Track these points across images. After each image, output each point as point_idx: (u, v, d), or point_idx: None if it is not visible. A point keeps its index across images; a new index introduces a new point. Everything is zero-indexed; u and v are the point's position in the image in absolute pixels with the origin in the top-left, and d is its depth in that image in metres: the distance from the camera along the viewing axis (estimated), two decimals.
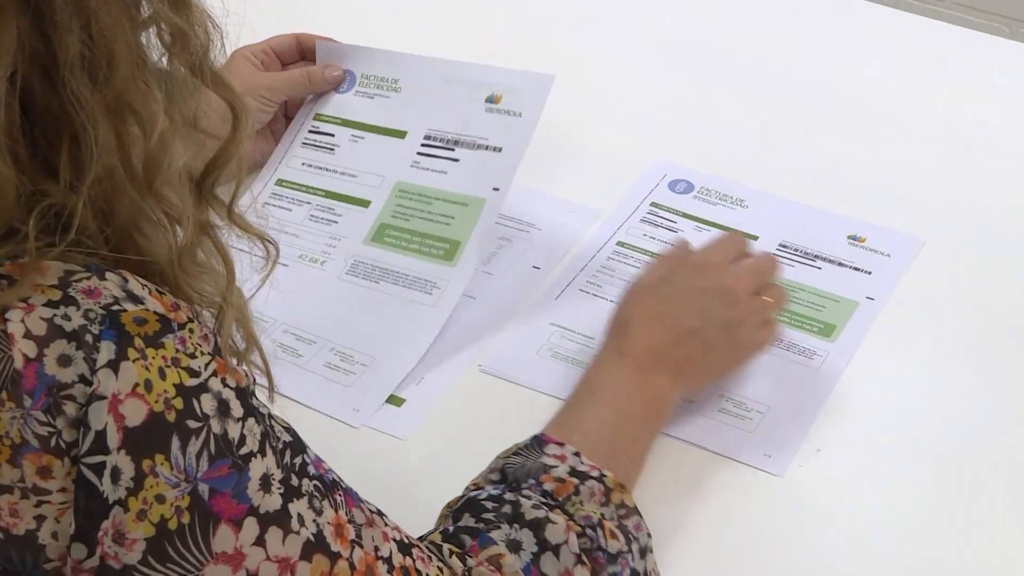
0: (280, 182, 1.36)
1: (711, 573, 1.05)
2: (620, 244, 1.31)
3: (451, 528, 0.96)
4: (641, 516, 1.01)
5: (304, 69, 1.39)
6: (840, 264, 1.29)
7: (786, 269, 1.28)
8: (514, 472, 1.00)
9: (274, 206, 1.34)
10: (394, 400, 1.17)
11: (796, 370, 1.19)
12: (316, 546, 0.81)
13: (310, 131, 1.37)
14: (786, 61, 1.54)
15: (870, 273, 1.28)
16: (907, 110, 1.47)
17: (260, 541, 0.79)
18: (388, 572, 0.85)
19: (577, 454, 1.01)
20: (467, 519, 0.97)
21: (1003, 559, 1.06)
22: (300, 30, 1.43)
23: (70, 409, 0.75)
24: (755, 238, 1.31)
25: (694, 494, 1.11)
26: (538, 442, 1.02)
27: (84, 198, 0.76)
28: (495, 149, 1.28)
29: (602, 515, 0.98)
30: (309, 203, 1.33)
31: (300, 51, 1.42)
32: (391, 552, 0.86)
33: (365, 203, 1.30)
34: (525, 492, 0.98)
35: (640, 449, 1.07)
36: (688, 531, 1.08)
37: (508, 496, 0.97)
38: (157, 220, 0.80)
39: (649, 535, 1.01)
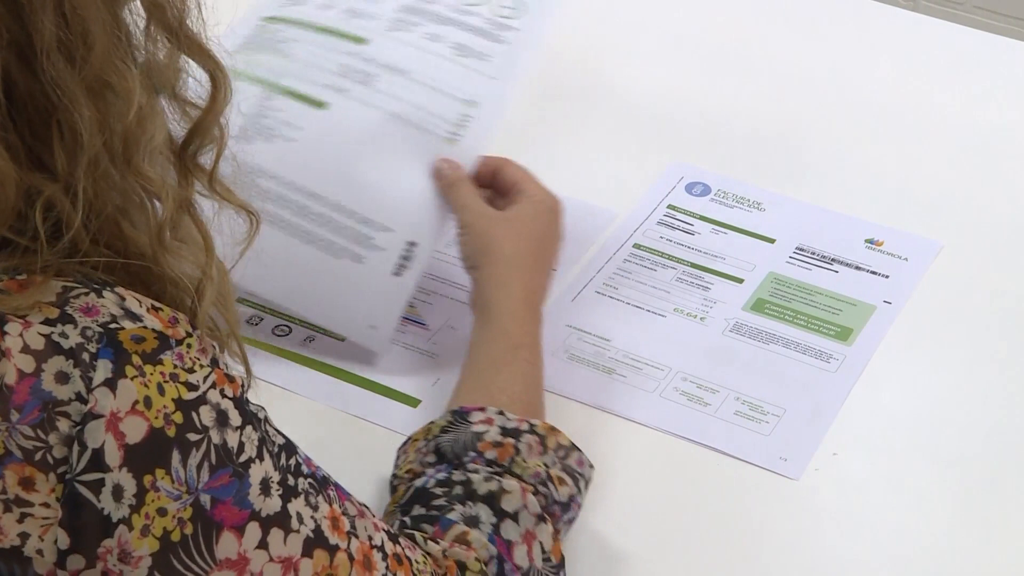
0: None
1: None
2: (637, 246, 1.31)
3: (408, 520, 0.97)
4: (580, 450, 1.03)
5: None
6: (857, 268, 1.28)
7: (803, 272, 1.28)
8: (451, 448, 1.01)
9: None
10: (410, 401, 1.17)
11: (812, 373, 1.19)
12: (315, 541, 0.82)
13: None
14: (804, 64, 1.54)
15: (887, 277, 1.27)
16: (925, 113, 1.47)
17: (263, 544, 0.80)
18: (383, 560, 0.86)
19: (501, 412, 1.03)
20: (418, 509, 0.98)
21: (1022, 565, 1.05)
22: None
23: (64, 426, 0.74)
24: (772, 241, 1.31)
25: (709, 497, 1.11)
26: (461, 414, 1.03)
27: (82, 185, 0.75)
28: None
29: (546, 465, 1.00)
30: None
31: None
32: (383, 541, 0.88)
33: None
34: (471, 467, 0.99)
35: (543, 398, 1.10)
36: (703, 534, 1.08)
37: (456, 476, 0.99)
38: (138, 202, 0.79)
39: (591, 465, 1.03)
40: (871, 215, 1.34)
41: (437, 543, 0.94)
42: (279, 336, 1.22)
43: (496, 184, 1.21)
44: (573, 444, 1.03)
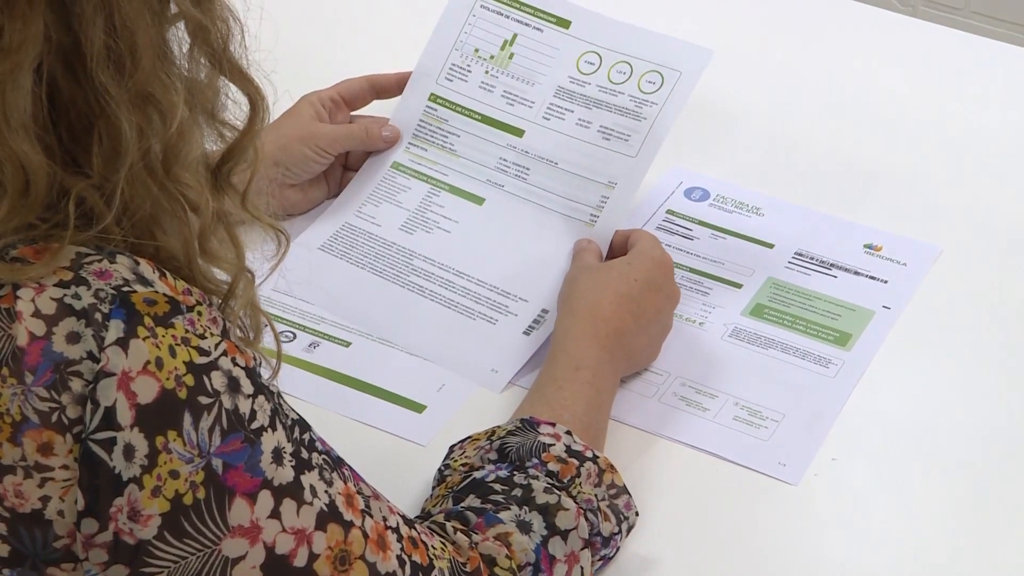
0: None
1: None
2: None
3: (455, 508, 0.98)
4: (630, 494, 1.04)
5: (363, 125, 1.34)
6: (856, 273, 1.29)
7: (802, 277, 1.28)
8: (515, 451, 1.02)
9: None
10: (415, 407, 1.18)
11: (811, 378, 1.19)
12: (329, 516, 0.83)
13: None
14: (802, 69, 1.54)
15: (886, 282, 1.28)
16: (924, 118, 1.47)
17: (275, 513, 0.81)
18: (398, 541, 0.87)
19: (569, 433, 1.04)
20: (472, 500, 0.99)
21: (1022, 571, 1.06)
22: (320, 20, 1.38)
23: (76, 385, 0.76)
24: (771, 246, 1.31)
25: (708, 502, 1.11)
26: (530, 423, 1.04)
27: (120, 186, 0.78)
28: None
29: (597, 497, 1.01)
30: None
31: (374, 92, 1.36)
32: (398, 523, 0.89)
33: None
34: (532, 473, 1.00)
35: (606, 429, 1.11)
36: (702, 539, 1.08)
37: (518, 478, 0.99)
38: (174, 211, 0.81)
39: (637, 513, 1.04)
40: (870, 220, 1.34)
41: (470, 536, 0.95)
42: (283, 342, 1.23)
43: (626, 250, 1.23)
44: (625, 487, 1.04)
